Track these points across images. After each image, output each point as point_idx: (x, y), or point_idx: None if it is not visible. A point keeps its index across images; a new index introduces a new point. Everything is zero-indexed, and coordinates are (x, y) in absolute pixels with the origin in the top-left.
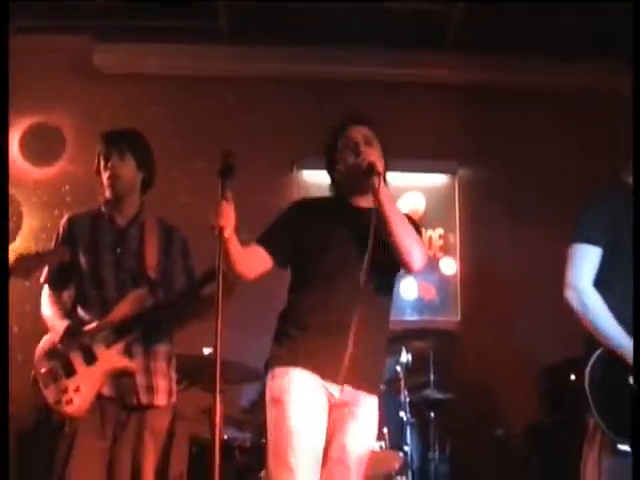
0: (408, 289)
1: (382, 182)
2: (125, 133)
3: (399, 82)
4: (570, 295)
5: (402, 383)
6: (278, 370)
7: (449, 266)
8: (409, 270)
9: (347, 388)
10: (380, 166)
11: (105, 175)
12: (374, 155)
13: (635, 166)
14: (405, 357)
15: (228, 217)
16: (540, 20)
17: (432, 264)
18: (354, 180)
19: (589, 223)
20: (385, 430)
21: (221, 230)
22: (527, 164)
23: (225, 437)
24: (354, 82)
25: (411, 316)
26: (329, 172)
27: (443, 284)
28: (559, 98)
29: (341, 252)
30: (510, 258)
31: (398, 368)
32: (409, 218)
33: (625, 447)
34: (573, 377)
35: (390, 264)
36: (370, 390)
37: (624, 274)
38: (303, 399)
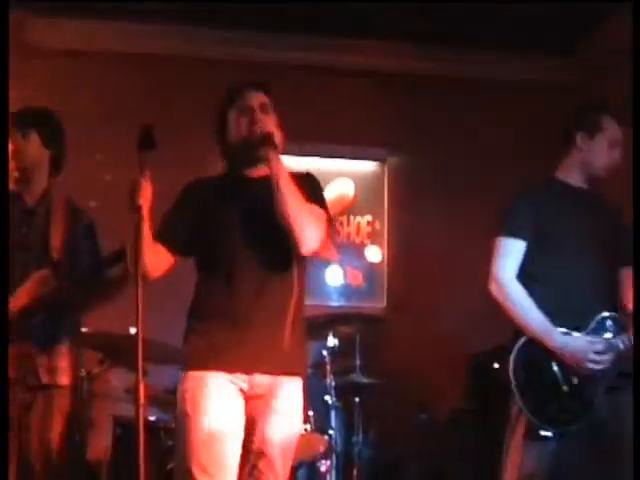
0: (335, 275)
1: (278, 155)
2: (32, 111)
3: (330, 68)
4: (494, 287)
5: (328, 367)
6: (184, 375)
7: (376, 253)
8: (299, 251)
9: (260, 377)
10: (277, 137)
11: (10, 153)
12: (270, 124)
13: (635, 165)
14: (331, 342)
15: (146, 196)
16: (477, 11)
17: (360, 251)
18: (248, 150)
19: (514, 217)
20: (310, 413)
21: (139, 209)
22: (457, 154)
23: (150, 418)
24: (282, 66)
25: (338, 302)
26: (220, 142)
27: (370, 270)
28: (493, 88)
29: (241, 231)
30: (437, 246)
31: (324, 352)
32: (321, 199)
33: (547, 433)
34: (497, 365)
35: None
36: (289, 375)
37: (548, 267)
38: (209, 406)
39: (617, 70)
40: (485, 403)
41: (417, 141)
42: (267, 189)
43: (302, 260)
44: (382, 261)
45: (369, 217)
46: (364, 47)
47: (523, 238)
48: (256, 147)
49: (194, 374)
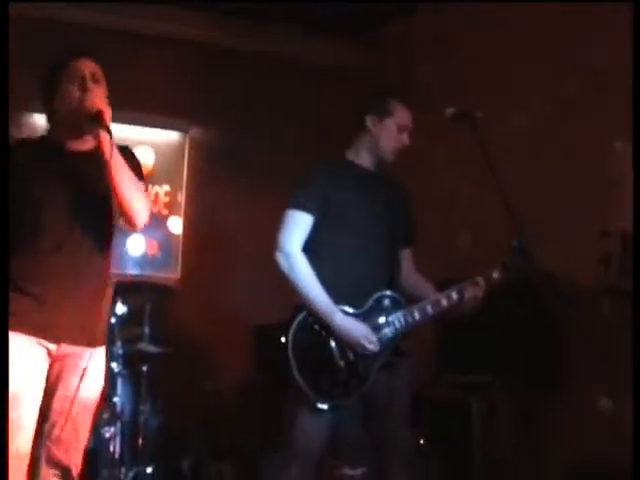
0: (130, 244)
1: (108, 133)
2: None
3: (137, 34)
4: (279, 258)
5: (116, 335)
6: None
7: (174, 223)
8: (131, 227)
9: (65, 342)
10: (107, 114)
11: None
12: (101, 96)
13: (635, 165)
14: (120, 309)
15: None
16: None
17: (157, 220)
18: (76, 123)
19: (303, 191)
20: None
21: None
22: (259, 129)
23: None
24: (87, 30)
25: (133, 270)
26: (46, 108)
27: (167, 241)
28: (298, 68)
29: (58, 204)
30: (233, 220)
31: (113, 320)
32: (141, 174)
33: (324, 405)
34: (283, 339)
35: (103, 212)
36: (94, 345)
37: (332, 243)
38: (16, 366)
39: (420, 57)
40: (271, 376)
41: (220, 114)
42: (90, 163)
43: (112, 233)
44: (178, 232)
45: (167, 187)
46: (172, 15)
47: (310, 212)
48: (85, 123)
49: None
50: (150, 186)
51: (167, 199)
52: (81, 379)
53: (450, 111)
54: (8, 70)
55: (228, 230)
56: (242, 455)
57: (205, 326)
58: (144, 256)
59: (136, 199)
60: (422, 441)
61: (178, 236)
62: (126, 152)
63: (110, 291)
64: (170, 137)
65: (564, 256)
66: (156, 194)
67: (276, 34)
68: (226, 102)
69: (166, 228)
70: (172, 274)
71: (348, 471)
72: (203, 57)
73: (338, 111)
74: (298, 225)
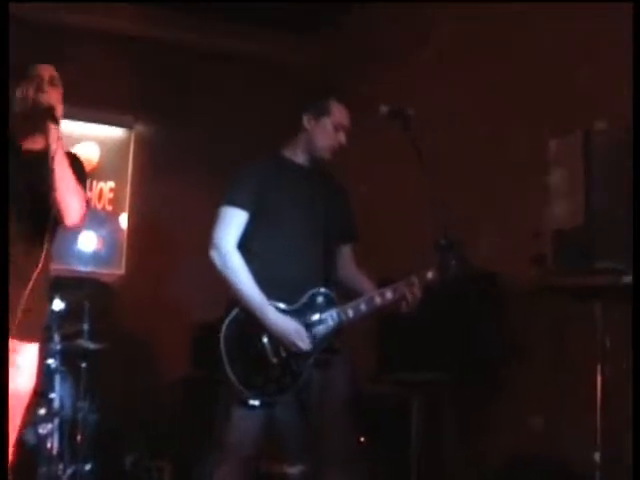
0: (74, 240)
1: (57, 129)
2: None
3: (82, 30)
4: (213, 254)
5: (54, 330)
6: None
7: (118, 219)
8: (64, 224)
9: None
10: (59, 111)
11: None
12: (55, 97)
13: (635, 161)
14: (58, 306)
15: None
16: None
17: (102, 217)
18: (30, 120)
19: (239, 188)
20: None
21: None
22: (203, 125)
23: None
24: (35, 25)
25: (76, 266)
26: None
27: (111, 237)
28: (240, 64)
29: (10, 194)
30: (178, 216)
31: (51, 316)
32: (84, 181)
33: (255, 402)
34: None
35: (45, 208)
36: (24, 337)
37: (267, 240)
38: None
39: (360, 56)
40: (207, 371)
41: (165, 111)
42: (39, 162)
43: (54, 230)
44: (123, 228)
45: (112, 183)
46: (119, 12)
47: (244, 208)
48: (38, 118)
49: None
50: (95, 182)
51: (112, 195)
52: (15, 373)
53: (384, 109)
54: (8, 70)
55: (173, 226)
56: (182, 453)
57: (147, 322)
58: (88, 252)
59: (70, 196)
60: (362, 439)
61: (123, 232)
62: (72, 156)
63: (47, 287)
64: (115, 133)
65: (502, 255)
66: (101, 190)
67: (218, 31)
68: (171, 99)
69: (111, 224)
70: (117, 270)
71: (286, 469)
72: (149, 54)
73: (279, 108)
74: (232, 222)
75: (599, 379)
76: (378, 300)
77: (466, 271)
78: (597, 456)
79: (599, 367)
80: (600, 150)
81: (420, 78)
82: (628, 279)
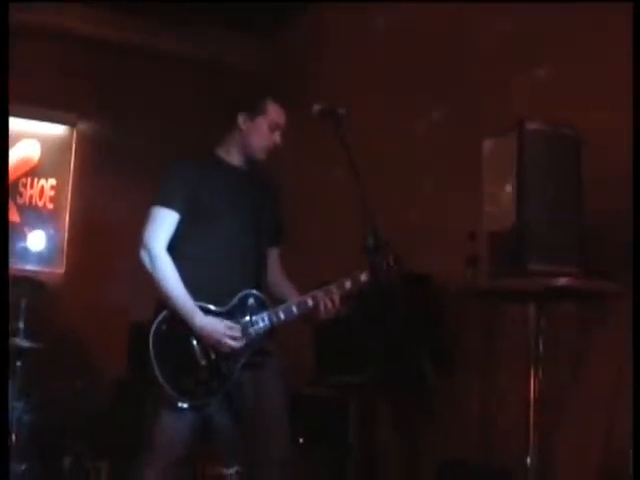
0: (16, 237)
1: None
2: None
3: (23, 27)
4: (142, 256)
5: None
6: None
7: (59, 217)
8: None
9: None
10: None
11: None
12: None
13: (635, 165)
14: None
15: None
16: None
17: (42, 214)
18: None
19: (170, 187)
20: None
21: None
22: (146, 123)
23: None
24: None
25: (17, 264)
26: None
27: (51, 234)
28: (189, 65)
29: None
30: (117, 215)
31: None
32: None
33: (184, 404)
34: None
35: None
36: None
37: (197, 240)
38: None
39: (313, 57)
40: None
41: (108, 109)
42: None
43: None
44: (64, 226)
45: (53, 181)
46: (62, 10)
47: (175, 209)
48: None
49: None
50: (36, 180)
51: (53, 193)
52: None
53: (317, 108)
54: (8, 70)
55: (114, 224)
56: (119, 453)
57: (85, 322)
58: (29, 250)
59: None
60: (301, 440)
61: (63, 230)
62: None
63: None
64: (57, 130)
65: (436, 257)
66: (42, 188)
67: (163, 29)
68: (114, 97)
69: (51, 222)
70: (57, 268)
71: (223, 470)
72: (91, 52)
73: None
74: (162, 222)
75: (532, 382)
76: (310, 302)
77: (397, 273)
78: (529, 460)
79: (532, 370)
80: (533, 150)
81: (361, 79)
82: (563, 281)
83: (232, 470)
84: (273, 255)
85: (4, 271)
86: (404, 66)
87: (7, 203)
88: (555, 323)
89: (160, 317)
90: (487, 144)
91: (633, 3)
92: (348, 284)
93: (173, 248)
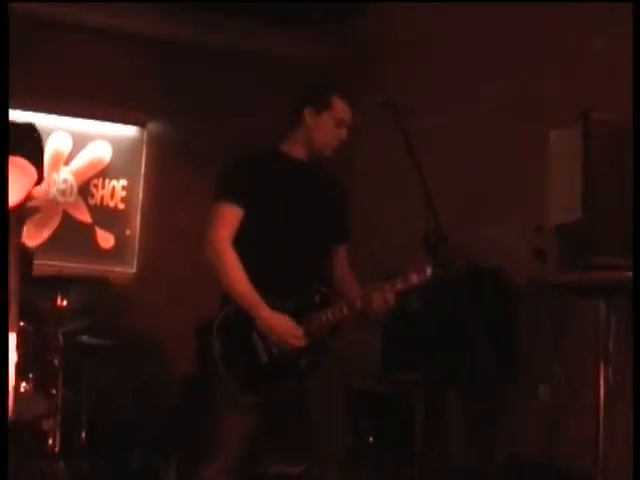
0: (87, 237)
1: None
2: None
3: (92, 29)
4: (208, 252)
5: (56, 326)
6: None
7: (130, 217)
8: None
9: None
10: None
11: None
12: None
13: (635, 165)
14: (60, 301)
15: None
16: None
17: (113, 214)
18: None
19: (234, 183)
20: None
21: None
22: (216, 122)
23: None
24: (42, 25)
25: (88, 264)
26: None
27: (123, 235)
28: (256, 60)
29: None
30: (187, 214)
31: (53, 311)
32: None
33: (248, 400)
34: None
35: None
36: None
37: (262, 236)
38: None
39: (378, 52)
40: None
41: (178, 108)
42: None
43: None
44: (135, 226)
45: (125, 181)
46: (130, 10)
47: (240, 204)
48: None
49: None
50: (107, 180)
51: (124, 193)
52: None
53: (377, 99)
54: (8, 69)
55: (185, 224)
56: (186, 450)
57: (156, 320)
58: (98, 250)
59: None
60: (370, 439)
61: (135, 230)
62: (26, 129)
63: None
64: (128, 131)
65: (503, 250)
66: (113, 188)
67: (230, 29)
68: (184, 96)
69: (122, 222)
70: (128, 268)
71: (287, 469)
72: (160, 52)
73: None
74: (228, 218)
75: (601, 377)
76: (375, 298)
77: (461, 266)
78: (600, 460)
79: (602, 365)
80: (599, 141)
81: (425, 72)
82: (629, 275)
83: (297, 469)
84: (339, 252)
85: (4, 269)
86: (468, 57)
87: (7, 203)
88: (625, 317)
89: (224, 312)
90: (553, 135)
91: (633, 3)
92: (414, 278)
93: (238, 243)
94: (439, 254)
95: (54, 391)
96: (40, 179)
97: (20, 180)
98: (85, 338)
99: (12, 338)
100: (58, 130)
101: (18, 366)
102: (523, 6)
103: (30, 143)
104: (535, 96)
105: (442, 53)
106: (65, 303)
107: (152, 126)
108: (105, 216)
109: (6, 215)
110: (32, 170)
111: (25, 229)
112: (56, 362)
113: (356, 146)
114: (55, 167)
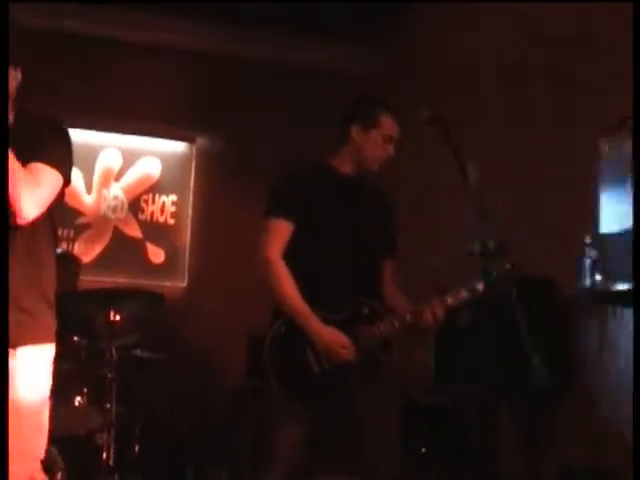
0: (138, 252)
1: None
2: None
3: (139, 44)
4: (260, 266)
5: (109, 341)
6: None
7: (180, 232)
8: (14, 222)
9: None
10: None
11: None
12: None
13: (635, 164)
14: (113, 316)
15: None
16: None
17: (163, 229)
18: None
19: (285, 198)
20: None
21: None
22: (265, 137)
23: None
24: (95, 40)
25: (139, 279)
26: None
27: (173, 249)
28: (304, 74)
29: None
30: (237, 229)
31: (106, 326)
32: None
33: (298, 411)
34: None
35: None
36: (14, 342)
37: (314, 248)
38: None
39: (423, 63)
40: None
41: (226, 123)
42: None
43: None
44: (185, 241)
45: (174, 197)
46: (175, 26)
47: (291, 219)
48: None
49: None
50: (157, 196)
51: (174, 208)
52: (20, 380)
53: (425, 114)
54: (8, 69)
55: (234, 238)
56: (238, 462)
57: (207, 334)
58: (149, 264)
59: (21, 194)
60: (423, 450)
61: (185, 245)
62: (50, 125)
63: (48, 286)
64: (177, 147)
65: (553, 260)
66: (163, 203)
67: (279, 44)
68: (232, 111)
69: (172, 237)
70: (179, 282)
71: None
72: (208, 67)
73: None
74: (278, 232)
75: None
76: (425, 312)
77: (514, 278)
78: None
79: None
80: None
81: (470, 81)
82: None
83: None
84: (387, 266)
85: (4, 271)
86: (513, 66)
87: (7, 202)
88: None
89: (276, 324)
90: (602, 143)
91: (633, 3)
92: (464, 293)
93: (289, 257)
94: (494, 264)
95: (108, 405)
96: (67, 182)
97: (41, 192)
98: (138, 352)
99: (51, 349)
100: (108, 147)
101: (71, 380)
102: (568, 19)
103: (59, 145)
104: (583, 104)
105: (489, 68)
106: (118, 318)
107: (201, 141)
108: (155, 231)
109: (6, 214)
110: (55, 174)
111: (76, 245)
112: (109, 376)
113: (401, 158)
114: (105, 184)
